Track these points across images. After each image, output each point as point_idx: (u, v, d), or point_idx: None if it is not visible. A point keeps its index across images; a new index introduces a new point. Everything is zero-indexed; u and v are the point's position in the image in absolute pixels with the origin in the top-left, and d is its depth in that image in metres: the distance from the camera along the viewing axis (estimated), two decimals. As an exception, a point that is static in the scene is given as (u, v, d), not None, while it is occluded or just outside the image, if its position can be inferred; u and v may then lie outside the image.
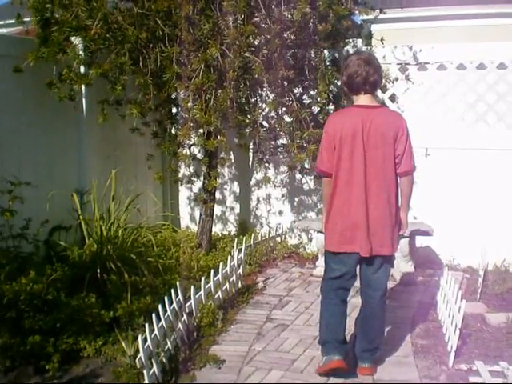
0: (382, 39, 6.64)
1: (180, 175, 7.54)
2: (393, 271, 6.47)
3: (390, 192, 3.98)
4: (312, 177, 7.29)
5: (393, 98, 7.23)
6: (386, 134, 3.92)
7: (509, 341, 4.74)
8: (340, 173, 3.99)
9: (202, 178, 7.08)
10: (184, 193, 8.38)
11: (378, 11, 6.45)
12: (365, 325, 4.23)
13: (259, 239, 7.24)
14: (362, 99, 4.04)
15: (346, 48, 6.72)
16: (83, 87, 6.23)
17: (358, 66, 3.97)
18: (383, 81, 6.72)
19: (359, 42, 6.85)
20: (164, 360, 4.12)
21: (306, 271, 6.83)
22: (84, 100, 6.47)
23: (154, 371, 3.89)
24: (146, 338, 3.87)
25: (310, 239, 7.70)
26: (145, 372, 3.77)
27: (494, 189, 6.69)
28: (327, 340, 4.15)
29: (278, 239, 7.72)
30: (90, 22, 5.61)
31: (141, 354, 3.74)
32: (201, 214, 7.11)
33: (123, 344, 4.24)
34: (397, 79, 6.95)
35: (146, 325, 3.92)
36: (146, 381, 3.77)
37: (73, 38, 5.88)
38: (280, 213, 7.93)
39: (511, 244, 6.42)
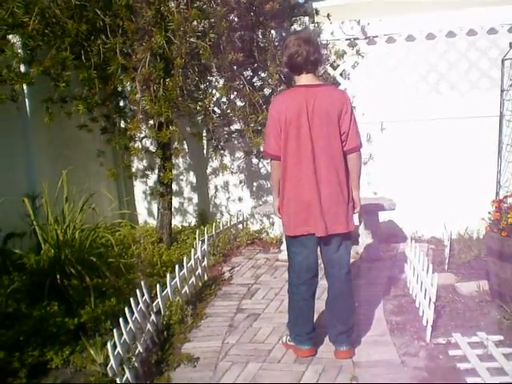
0: (328, 15, 6.58)
1: (134, 170, 7.35)
2: (358, 248, 6.46)
3: (339, 170, 3.94)
4: (269, 160, 7.16)
5: (344, 74, 7.15)
6: (330, 112, 3.88)
7: (483, 309, 4.73)
8: (288, 154, 3.95)
9: (156, 171, 6.91)
10: (139, 187, 8.19)
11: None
12: (335, 306, 4.16)
13: (221, 228, 7.11)
14: (304, 79, 3.98)
15: (293, 27, 6.60)
16: (25, 87, 5.96)
17: (298, 46, 3.91)
18: (334, 57, 6.66)
19: (306, 19, 6.75)
20: (136, 364, 3.95)
21: (271, 256, 6.73)
22: (27, 100, 6.20)
23: (126, 377, 3.73)
24: (115, 343, 3.70)
25: (272, 224, 7.61)
26: (118, 379, 3.61)
27: (452, 158, 6.70)
28: (298, 334, 4.20)
29: (240, 226, 7.62)
30: (26, 18, 5.37)
31: (111, 362, 3.57)
32: (159, 208, 6.93)
33: (92, 352, 4.05)
34: (345, 53, 6.84)
35: (114, 330, 3.75)
36: (120, 388, 3.61)
37: (10, 37, 5.59)
38: (240, 199, 7.81)
39: (472, 211, 6.41)
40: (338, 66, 6.99)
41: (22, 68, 5.73)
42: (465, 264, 5.87)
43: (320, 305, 4.36)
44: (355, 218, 6.28)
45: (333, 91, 4.05)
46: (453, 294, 5.10)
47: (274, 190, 4.16)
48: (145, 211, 8.24)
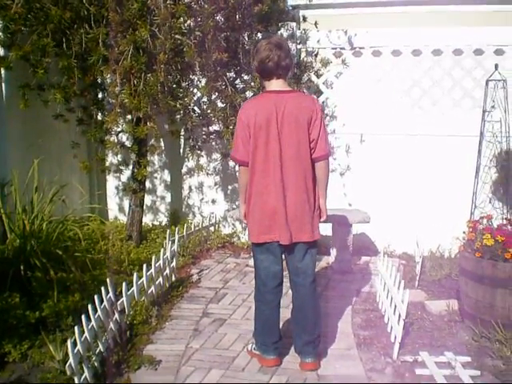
0: (315, 23, 6.53)
1: (107, 164, 7.22)
2: (330, 259, 6.41)
3: (307, 178, 3.89)
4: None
5: (327, 83, 7.10)
6: (299, 118, 3.82)
7: (451, 329, 4.69)
8: (256, 161, 3.89)
9: (130, 167, 6.78)
10: (112, 182, 8.05)
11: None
12: (300, 316, 4.09)
13: (192, 229, 7.01)
14: (275, 84, 3.92)
15: (280, 31, 6.54)
16: (2, 71, 5.81)
17: (269, 51, 3.84)
18: (319, 65, 6.61)
19: (294, 25, 6.70)
20: (96, 364, 3.84)
21: (241, 261, 6.65)
22: (4, 85, 6.04)
23: (85, 376, 3.62)
24: (75, 340, 3.58)
25: (245, 228, 7.51)
26: (75, 378, 3.49)
27: (430, 175, 6.68)
28: (263, 343, 4.13)
29: (212, 229, 7.52)
30: (9, 1, 5.23)
31: (70, 360, 3.45)
32: (130, 205, 6.81)
33: (51, 348, 3.93)
34: (330, 62, 6.79)
35: (76, 327, 3.63)
36: (77, 388, 3.49)
37: (-9, 18, 5.45)
38: (213, 201, 7.72)
39: (446, 230, 6.41)
40: (322, 74, 6.93)
41: (1, 51, 5.59)
42: (435, 282, 5.84)
43: (288, 314, 4.28)
44: (328, 228, 6.32)
45: (303, 98, 3.99)
46: (422, 312, 5.06)
47: (241, 196, 4.10)
48: (116, 207, 8.10)
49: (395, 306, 4.46)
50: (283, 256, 4.07)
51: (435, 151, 6.66)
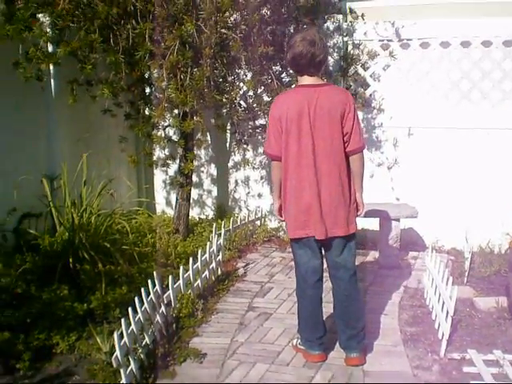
0: (362, 15, 6.47)
1: (155, 158, 7.25)
2: (376, 254, 6.35)
3: (341, 171, 3.85)
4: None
5: (374, 76, 7.02)
6: (332, 112, 3.78)
7: (500, 327, 4.59)
8: (289, 155, 3.87)
9: (177, 161, 6.83)
10: (159, 176, 8.12)
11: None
12: (342, 310, 4.06)
13: (238, 223, 7.02)
14: (307, 79, 3.89)
15: (326, 24, 6.50)
16: (51, 67, 5.91)
17: (302, 47, 3.80)
18: (366, 58, 6.54)
19: (340, 17, 6.63)
20: (142, 356, 3.88)
21: (287, 255, 6.62)
22: (52, 80, 6.15)
23: (131, 369, 3.66)
24: (122, 333, 3.63)
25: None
26: (122, 370, 3.53)
27: (479, 169, 6.55)
28: (308, 338, 4.11)
29: (258, 223, 7.52)
30: (57, -2, 5.30)
31: (117, 352, 3.49)
32: (177, 199, 6.86)
33: (98, 339, 3.98)
34: (378, 55, 6.71)
35: (122, 319, 3.67)
36: (124, 380, 3.53)
37: (39, 15, 5.52)
38: (259, 195, 7.72)
39: (496, 225, 6.28)
40: (369, 67, 6.85)
41: (50, 48, 5.67)
42: (484, 278, 5.72)
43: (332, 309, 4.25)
44: (375, 223, 6.26)
45: (335, 91, 3.94)
46: (470, 309, 4.96)
47: (275, 192, 4.10)
48: (163, 201, 8.18)
49: (443, 303, 4.38)
50: (322, 250, 4.04)
51: (484, 145, 6.52)
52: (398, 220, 6.17)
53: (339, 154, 3.82)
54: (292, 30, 5.99)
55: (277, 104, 3.96)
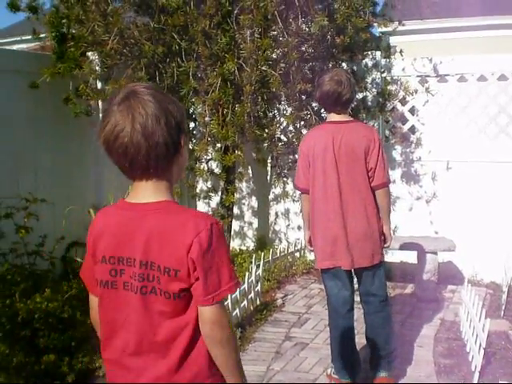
0: (401, 51, 6.59)
1: (197, 190, 7.47)
2: (414, 287, 6.39)
3: (367, 205, 3.98)
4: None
5: (412, 111, 7.13)
6: (356, 148, 3.94)
7: (535, 360, 4.60)
8: (316, 189, 4.04)
9: (219, 193, 7.00)
10: (201, 208, 8.28)
11: (396, 23, 6.37)
12: (372, 333, 4.18)
13: (278, 255, 7.14)
14: (334, 116, 4.08)
15: (364, 60, 6.65)
16: (100, 103, 6.20)
17: (329, 87, 3.97)
18: (403, 93, 6.66)
19: (378, 54, 6.78)
20: None
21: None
22: (100, 115, 6.42)
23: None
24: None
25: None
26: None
27: (517, 203, 6.56)
28: (341, 367, 4.19)
29: (297, 254, 7.62)
30: (106, 37, 5.59)
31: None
32: (219, 230, 7.00)
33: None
34: (416, 91, 6.84)
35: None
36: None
37: (89, 54, 5.85)
38: (299, 228, 7.82)
39: (535, 259, 6.27)
40: (407, 102, 6.97)
41: (99, 85, 5.96)
42: (522, 312, 5.72)
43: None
44: (413, 256, 6.32)
45: (361, 127, 4.13)
46: (505, 342, 4.97)
47: (305, 223, 4.26)
48: (205, 232, 8.32)
49: (476, 335, 4.42)
50: (354, 281, 4.15)
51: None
52: (435, 253, 6.21)
53: (364, 189, 3.97)
54: (331, 67, 6.16)
55: (306, 139, 4.17)
